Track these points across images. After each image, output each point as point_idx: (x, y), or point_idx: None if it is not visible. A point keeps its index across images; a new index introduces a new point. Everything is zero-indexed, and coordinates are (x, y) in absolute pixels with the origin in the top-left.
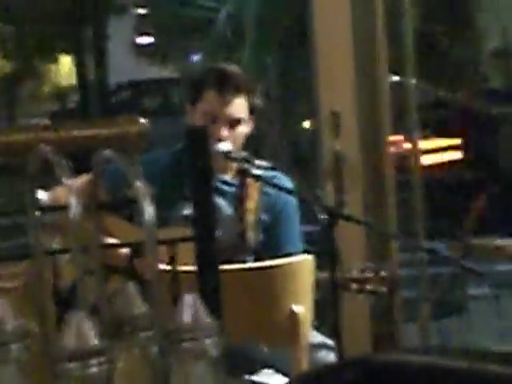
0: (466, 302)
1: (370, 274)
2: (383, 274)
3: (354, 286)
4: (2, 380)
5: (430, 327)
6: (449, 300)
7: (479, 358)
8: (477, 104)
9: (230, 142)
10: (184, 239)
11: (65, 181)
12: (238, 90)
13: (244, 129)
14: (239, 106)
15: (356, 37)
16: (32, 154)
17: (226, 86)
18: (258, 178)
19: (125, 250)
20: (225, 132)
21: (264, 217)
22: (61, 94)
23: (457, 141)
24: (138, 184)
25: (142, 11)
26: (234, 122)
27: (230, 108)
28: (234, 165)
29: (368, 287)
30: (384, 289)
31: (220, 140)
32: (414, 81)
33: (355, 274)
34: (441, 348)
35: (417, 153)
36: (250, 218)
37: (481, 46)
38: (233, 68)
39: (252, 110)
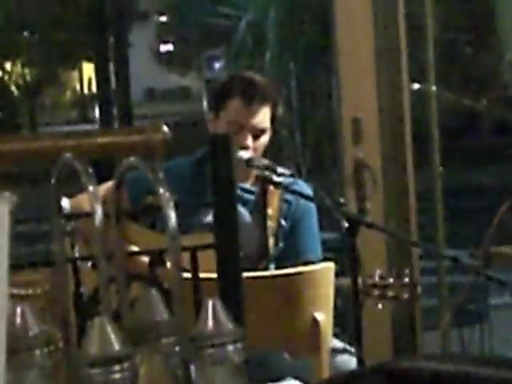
0: (487, 311)
1: (391, 281)
2: (404, 280)
3: (375, 292)
4: None
5: (452, 335)
6: (470, 308)
7: (501, 366)
8: (499, 111)
9: (252, 150)
10: (206, 246)
11: (89, 188)
12: (264, 100)
13: (266, 138)
14: (264, 116)
15: (378, 44)
16: (56, 161)
17: (253, 95)
18: (278, 185)
19: (147, 258)
20: (249, 141)
21: (284, 224)
22: (83, 101)
23: None
24: (162, 191)
25: (163, 19)
26: (258, 132)
27: (255, 118)
28: (254, 172)
29: (389, 294)
30: (405, 295)
31: (244, 149)
32: (434, 88)
33: (376, 280)
34: (462, 355)
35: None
36: (271, 225)
37: (503, 54)
38: (259, 77)
39: (273, 119)
